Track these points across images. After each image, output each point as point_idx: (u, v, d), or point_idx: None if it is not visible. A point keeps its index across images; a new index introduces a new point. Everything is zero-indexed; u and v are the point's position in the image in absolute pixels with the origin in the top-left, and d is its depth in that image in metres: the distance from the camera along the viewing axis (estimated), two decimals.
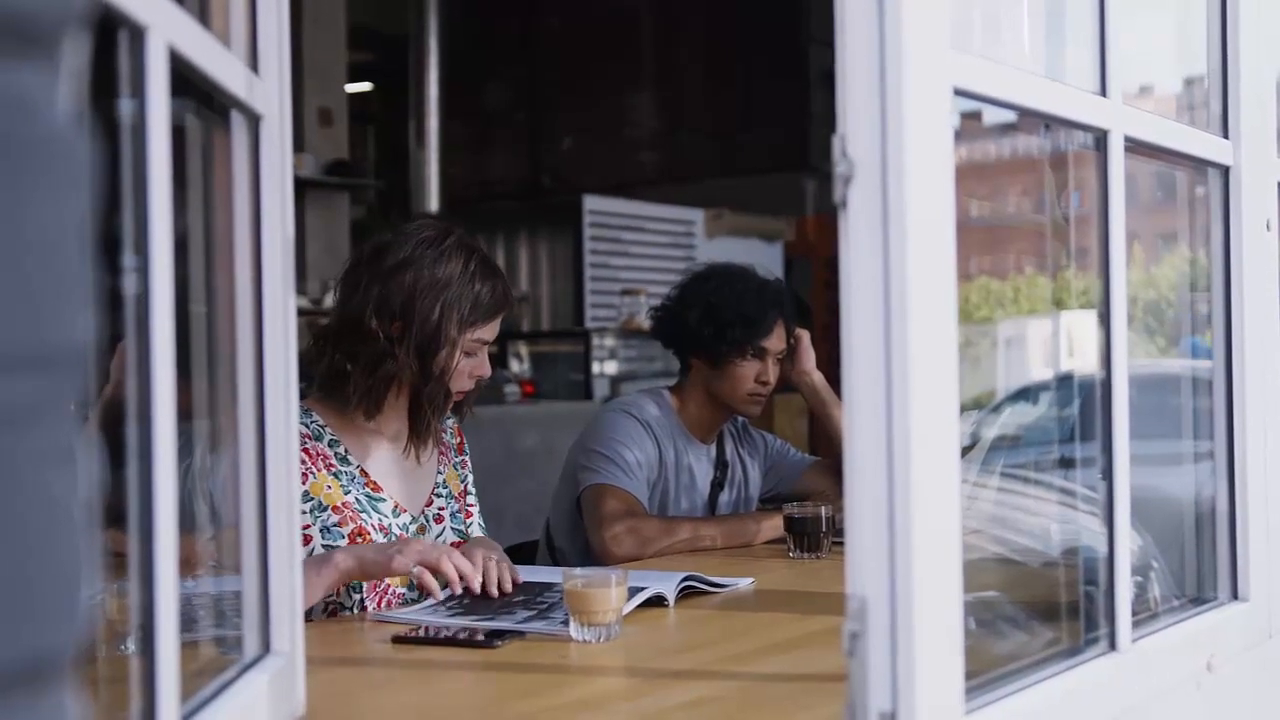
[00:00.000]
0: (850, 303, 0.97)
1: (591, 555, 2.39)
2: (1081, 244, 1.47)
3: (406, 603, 1.92)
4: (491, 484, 4.61)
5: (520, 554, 2.58)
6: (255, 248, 1.13)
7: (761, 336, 2.53)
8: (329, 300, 5.91)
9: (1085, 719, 1.23)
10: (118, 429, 0.82)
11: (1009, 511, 1.62)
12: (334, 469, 1.95)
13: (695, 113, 8.46)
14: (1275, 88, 1.63)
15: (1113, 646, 1.27)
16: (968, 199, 1.24)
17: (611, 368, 6.40)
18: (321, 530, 1.90)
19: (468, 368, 1.99)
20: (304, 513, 1.88)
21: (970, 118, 1.20)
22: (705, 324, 2.53)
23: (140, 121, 0.80)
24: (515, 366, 6.47)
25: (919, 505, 0.95)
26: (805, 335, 2.66)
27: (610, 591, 1.58)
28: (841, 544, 2.06)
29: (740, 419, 2.70)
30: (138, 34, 0.80)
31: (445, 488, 2.11)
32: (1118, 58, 1.28)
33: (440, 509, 2.08)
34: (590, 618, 1.58)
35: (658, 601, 1.81)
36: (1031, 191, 1.66)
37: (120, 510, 0.81)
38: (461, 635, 1.62)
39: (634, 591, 1.75)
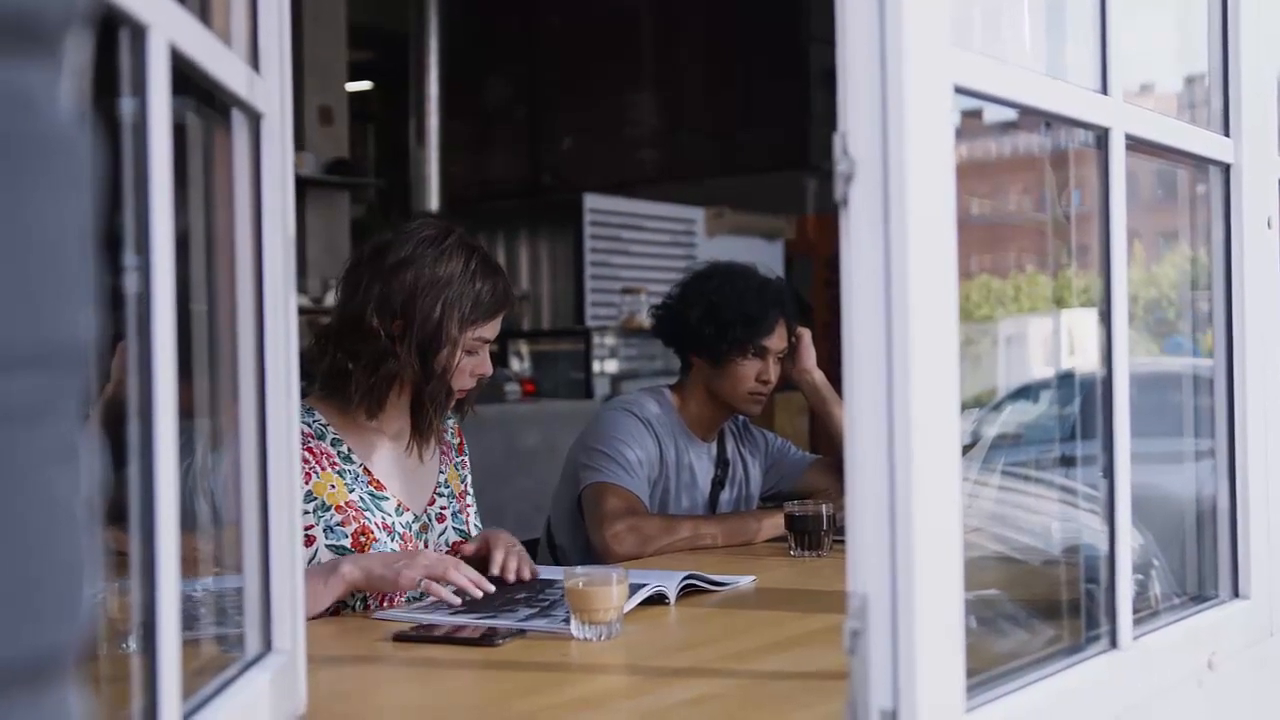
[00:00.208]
0: (851, 300, 0.97)
1: (592, 553, 2.39)
2: (1082, 242, 1.47)
3: (409, 601, 1.92)
4: (492, 482, 4.61)
5: None
6: (256, 246, 1.13)
7: (763, 336, 2.53)
8: (330, 299, 5.92)
9: (1086, 717, 1.23)
10: (119, 428, 0.82)
11: (1010, 509, 1.62)
12: (337, 467, 1.95)
13: (695, 111, 8.46)
14: (1276, 85, 1.63)
15: (1114, 644, 1.27)
16: (969, 197, 1.24)
17: (612, 366, 6.40)
18: (325, 530, 1.90)
19: (469, 366, 1.99)
20: (306, 513, 1.88)
21: (971, 116, 1.20)
22: (706, 322, 2.53)
23: (141, 120, 0.80)
24: (516, 365, 6.47)
25: (920, 503, 0.95)
26: (806, 333, 2.66)
27: (611, 590, 1.59)
28: (842, 542, 2.06)
29: (741, 417, 2.70)
30: (139, 32, 0.80)
31: (447, 487, 2.11)
32: (1119, 55, 1.28)
33: (442, 508, 2.08)
34: (591, 616, 1.58)
35: (659, 600, 1.81)
36: (1032, 189, 1.66)
37: (122, 509, 0.81)
38: (463, 633, 1.62)
39: (635, 589, 1.75)
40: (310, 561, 1.89)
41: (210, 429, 1.15)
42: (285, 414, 1.15)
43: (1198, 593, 1.58)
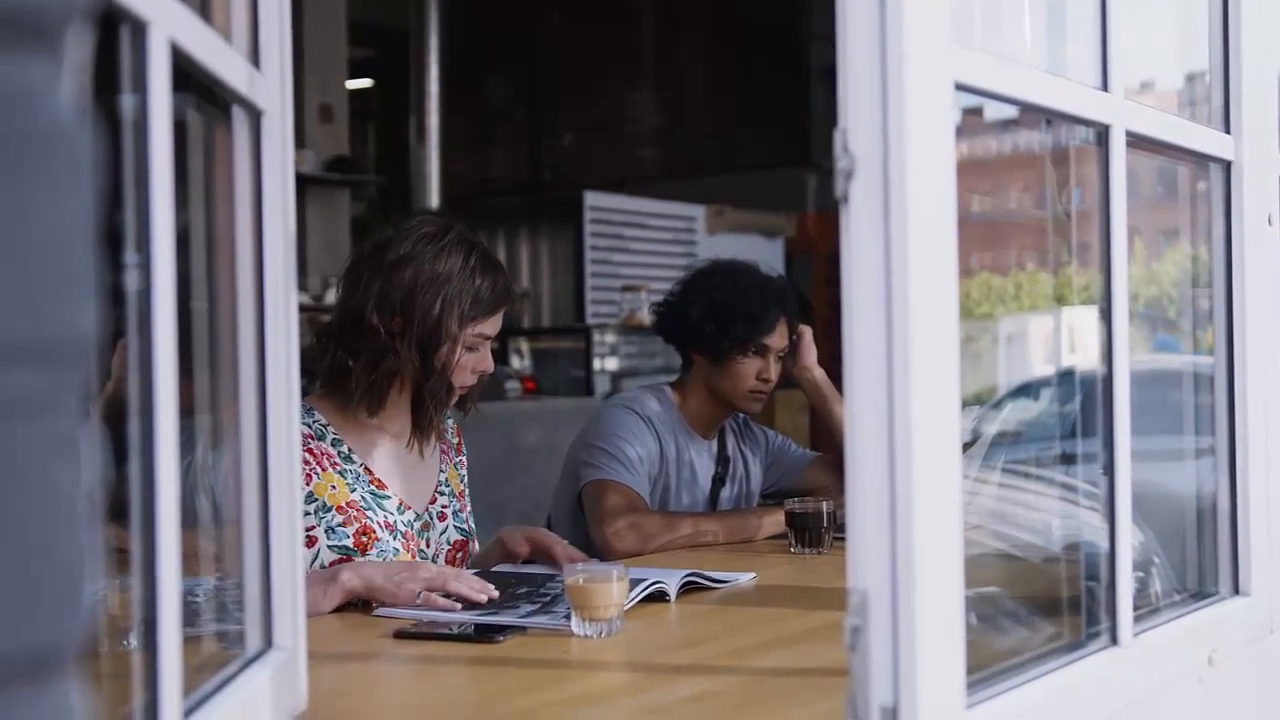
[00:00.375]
0: (851, 297, 0.97)
1: (593, 551, 2.39)
2: (1083, 239, 1.47)
3: None
4: (492, 480, 4.62)
5: None
6: (257, 243, 1.13)
7: (764, 334, 2.53)
8: (330, 297, 5.92)
9: (1087, 713, 1.23)
10: (120, 425, 0.82)
11: (1010, 507, 1.62)
12: (338, 468, 1.95)
13: (696, 109, 8.46)
14: (1277, 82, 1.63)
15: (1114, 641, 1.27)
16: (969, 194, 1.24)
17: (612, 364, 6.40)
18: (326, 531, 1.90)
19: (470, 363, 1.99)
20: (308, 514, 1.88)
21: (972, 113, 1.20)
22: (708, 320, 2.53)
23: (142, 117, 0.80)
24: (516, 363, 6.47)
25: (920, 500, 0.95)
26: (807, 331, 2.66)
27: (612, 586, 1.59)
28: (843, 539, 2.06)
29: (742, 415, 2.70)
30: (139, 29, 0.80)
31: (448, 486, 2.11)
32: (1119, 52, 1.28)
33: (444, 507, 2.08)
34: (592, 613, 1.58)
35: (659, 597, 1.81)
36: (1033, 187, 1.66)
37: (123, 506, 0.81)
38: (463, 630, 1.62)
39: (635, 586, 1.75)
40: (312, 562, 1.89)
41: (211, 427, 1.15)
42: (286, 411, 1.15)
43: (1198, 589, 1.58)
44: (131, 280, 0.80)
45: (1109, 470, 1.29)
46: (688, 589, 1.88)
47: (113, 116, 0.80)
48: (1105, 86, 1.28)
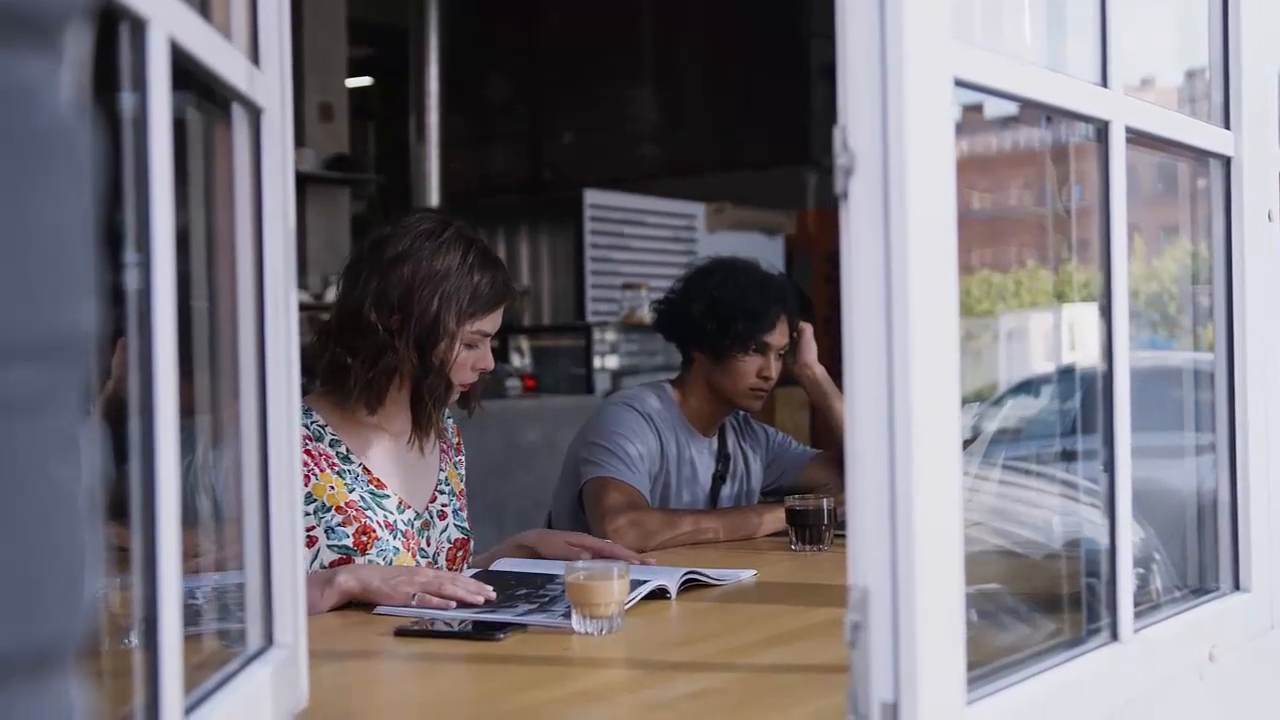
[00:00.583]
0: (851, 294, 0.97)
1: None
2: (1083, 236, 1.47)
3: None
4: (493, 479, 4.62)
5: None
6: (256, 242, 1.13)
7: (764, 332, 2.53)
8: (330, 295, 5.92)
9: (1087, 709, 1.23)
10: (120, 424, 0.82)
11: (1011, 504, 1.62)
12: (336, 468, 1.95)
13: (696, 107, 8.46)
14: (1277, 78, 1.63)
15: (1115, 637, 1.27)
16: (970, 191, 1.24)
17: (613, 362, 6.40)
18: (326, 531, 1.90)
19: (469, 360, 1.98)
20: (307, 514, 1.88)
21: (972, 110, 1.20)
22: (708, 318, 2.53)
23: (142, 115, 0.80)
24: (516, 361, 6.47)
25: (920, 497, 0.95)
26: (808, 329, 2.66)
27: (612, 584, 1.59)
28: (843, 536, 2.06)
29: (742, 412, 2.70)
30: (139, 26, 0.80)
31: (448, 485, 2.11)
32: (1119, 48, 1.28)
33: (444, 506, 2.08)
34: (592, 610, 1.58)
35: (660, 594, 1.81)
36: (1033, 184, 1.66)
37: (123, 505, 0.81)
38: (464, 628, 1.62)
39: (636, 584, 1.75)
40: (312, 562, 1.89)
41: (211, 425, 1.15)
42: (286, 409, 1.15)
43: (1198, 586, 1.58)
44: (131, 279, 0.80)
45: (1109, 467, 1.29)
46: (688, 586, 1.88)
47: (112, 114, 0.80)
48: (1105, 82, 1.28)
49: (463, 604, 1.72)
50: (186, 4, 0.88)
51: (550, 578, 1.88)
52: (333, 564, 1.89)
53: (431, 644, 1.59)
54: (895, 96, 0.95)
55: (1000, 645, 1.26)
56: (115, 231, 0.79)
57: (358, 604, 1.79)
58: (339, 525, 1.91)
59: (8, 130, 0.48)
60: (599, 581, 1.59)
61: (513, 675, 1.46)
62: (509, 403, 5.33)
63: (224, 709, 0.95)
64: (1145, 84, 1.59)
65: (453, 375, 1.97)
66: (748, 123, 8.09)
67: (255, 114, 1.11)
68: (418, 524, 2.02)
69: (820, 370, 2.66)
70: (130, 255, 0.80)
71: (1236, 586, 1.55)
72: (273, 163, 1.13)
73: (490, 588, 1.76)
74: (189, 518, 0.89)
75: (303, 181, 6.21)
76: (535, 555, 2.09)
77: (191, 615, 0.94)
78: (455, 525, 2.09)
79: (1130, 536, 1.29)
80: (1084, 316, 1.43)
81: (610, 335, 6.43)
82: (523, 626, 1.63)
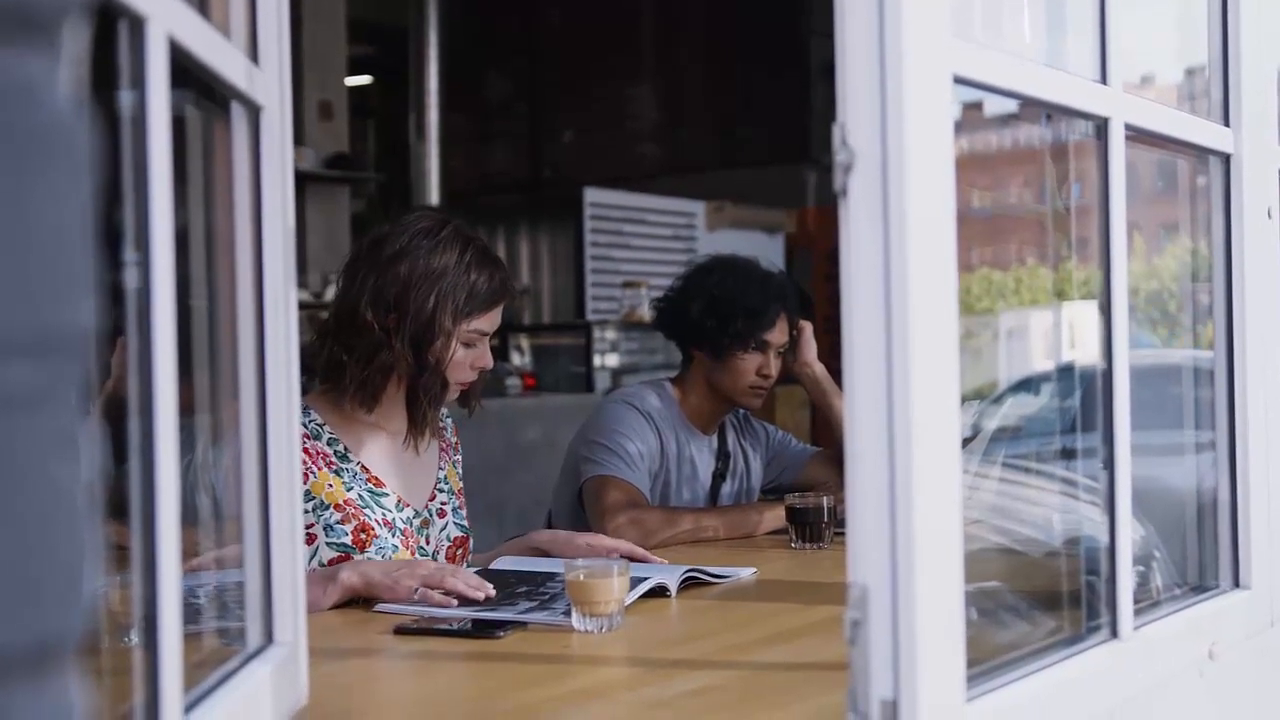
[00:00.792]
0: (850, 292, 0.96)
1: None
2: (1082, 234, 1.47)
3: None
4: (493, 477, 4.62)
5: None
6: (256, 241, 1.13)
7: (764, 329, 2.53)
8: (330, 294, 5.91)
9: (1087, 707, 1.23)
10: (120, 423, 0.82)
11: (1010, 501, 1.62)
12: (334, 466, 1.95)
13: (696, 105, 8.45)
14: (1276, 75, 1.63)
15: (1114, 634, 1.27)
16: (969, 189, 1.24)
17: (613, 360, 6.40)
18: (325, 529, 1.90)
19: (467, 359, 1.98)
20: (306, 512, 1.88)
21: (972, 108, 1.20)
22: (708, 316, 2.53)
23: (140, 113, 0.80)
24: (516, 359, 6.47)
25: (920, 495, 0.95)
26: (808, 327, 2.66)
27: (612, 582, 1.59)
28: (843, 534, 2.06)
29: (742, 410, 2.70)
30: (137, 24, 0.80)
31: (446, 483, 2.11)
32: (1118, 45, 1.28)
33: (443, 504, 2.08)
34: (592, 608, 1.58)
35: (660, 592, 1.81)
36: (1033, 182, 1.66)
37: (123, 504, 0.81)
38: (464, 626, 1.62)
39: (636, 582, 1.75)
40: (311, 559, 1.89)
41: (211, 424, 1.15)
42: (285, 407, 1.15)
43: (1198, 583, 1.58)
44: (130, 278, 0.80)
45: (1109, 464, 1.29)
46: (688, 584, 1.88)
47: (111, 112, 0.80)
48: (1104, 79, 1.27)
49: (464, 600, 1.72)
50: (185, 2, 0.88)
51: (550, 575, 1.88)
52: (332, 562, 1.89)
53: (431, 642, 1.59)
54: (894, 94, 0.95)
55: (1000, 643, 1.26)
56: (114, 230, 0.79)
57: (357, 601, 1.79)
58: (338, 523, 1.91)
59: (7, 127, 0.48)
60: (599, 579, 1.59)
61: (512, 673, 1.46)
62: (509, 401, 5.33)
63: (224, 707, 0.96)
64: (1145, 81, 1.59)
65: (450, 374, 1.97)
66: (748, 121, 8.08)
67: (254, 112, 1.11)
68: (416, 522, 2.02)
69: (820, 368, 2.66)
70: (129, 254, 0.80)
71: (1236, 584, 1.55)
72: (272, 161, 1.13)
73: (490, 585, 1.76)
74: (189, 516, 0.89)
75: (302, 180, 6.21)
76: (543, 555, 2.09)
77: (191, 613, 0.94)
78: (454, 523, 2.09)
79: (1130, 534, 1.29)
80: (1084, 314, 1.43)
81: (610, 333, 6.43)
82: (523, 624, 1.63)
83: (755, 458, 2.73)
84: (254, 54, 1.11)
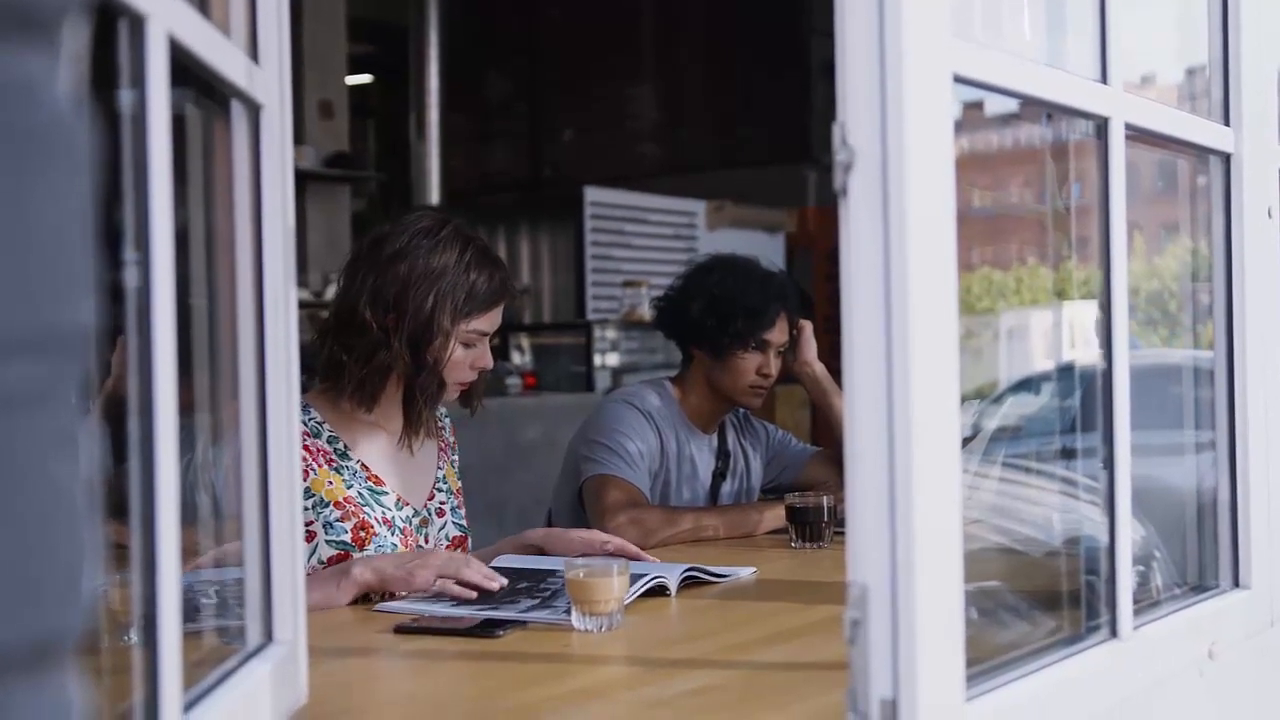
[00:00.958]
0: (850, 291, 0.96)
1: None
2: (1083, 234, 1.47)
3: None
4: (493, 476, 4.62)
5: None
6: (256, 240, 1.13)
7: (764, 329, 2.53)
8: (330, 293, 5.92)
9: (1087, 706, 1.23)
10: (120, 422, 0.82)
11: (1010, 501, 1.62)
12: (334, 464, 1.95)
13: (696, 105, 8.46)
14: (1277, 75, 1.63)
15: (1114, 634, 1.27)
16: (970, 189, 1.24)
17: (613, 360, 6.40)
18: (324, 526, 1.90)
19: (467, 359, 1.98)
20: (306, 510, 1.88)
21: (972, 108, 1.20)
22: (708, 315, 2.53)
23: (140, 111, 0.80)
24: (516, 359, 6.47)
25: (920, 494, 0.95)
26: (808, 326, 2.66)
27: (612, 581, 1.59)
28: (843, 533, 2.06)
29: (742, 409, 2.70)
30: (137, 23, 0.80)
31: (445, 483, 2.11)
32: (1118, 44, 1.28)
33: (441, 503, 2.08)
34: (592, 607, 1.58)
35: (660, 591, 1.81)
36: (1033, 182, 1.66)
37: (123, 503, 0.81)
38: (463, 625, 1.62)
39: (635, 581, 1.75)
40: (310, 556, 1.89)
41: (211, 423, 1.15)
42: (285, 406, 1.15)
43: (1198, 583, 1.58)
44: (130, 277, 0.80)
45: (1109, 464, 1.29)
46: (688, 583, 1.88)
47: (111, 111, 0.80)
48: (1105, 79, 1.27)
49: (479, 591, 1.72)
50: (185, 0, 0.88)
51: (550, 573, 1.88)
52: (331, 560, 1.89)
53: (431, 641, 1.59)
54: (894, 93, 0.95)
55: (1000, 642, 1.26)
56: (114, 229, 0.79)
57: (357, 600, 1.79)
58: (337, 521, 1.91)
59: (6, 126, 0.48)
60: (599, 578, 1.59)
61: (512, 672, 1.46)
62: (509, 400, 5.33)
63: (223, 705, 0.96)
64: (1145, 81, 1.59)
65: (449, 374, 1.97)
66: (748, 121, 8.08)
67: (254, 111, 1.11)
68: (416, 521, 2.02)
69: (820, 368, 2.66)
70: (129, 253, 0.80)
71: (1236, 584, 1.55)
72: (272, 160, 1.13)
73: (501, 576, 1.77)
74: (188, 515, 0.89)
75: (302, 179, 6.21)
76: (540, 554, 2.09)
77: (190, 612, 0.94)
78: (453, 523, 2.09)
79: (1130, 534, 1.29)
80: (1084, 314, 1.43)
81: (610, 333, 6.43)
82: (522, 623, 1.63)
83: (755, 457, 2.73)
84: (254, 52, 1.11)
